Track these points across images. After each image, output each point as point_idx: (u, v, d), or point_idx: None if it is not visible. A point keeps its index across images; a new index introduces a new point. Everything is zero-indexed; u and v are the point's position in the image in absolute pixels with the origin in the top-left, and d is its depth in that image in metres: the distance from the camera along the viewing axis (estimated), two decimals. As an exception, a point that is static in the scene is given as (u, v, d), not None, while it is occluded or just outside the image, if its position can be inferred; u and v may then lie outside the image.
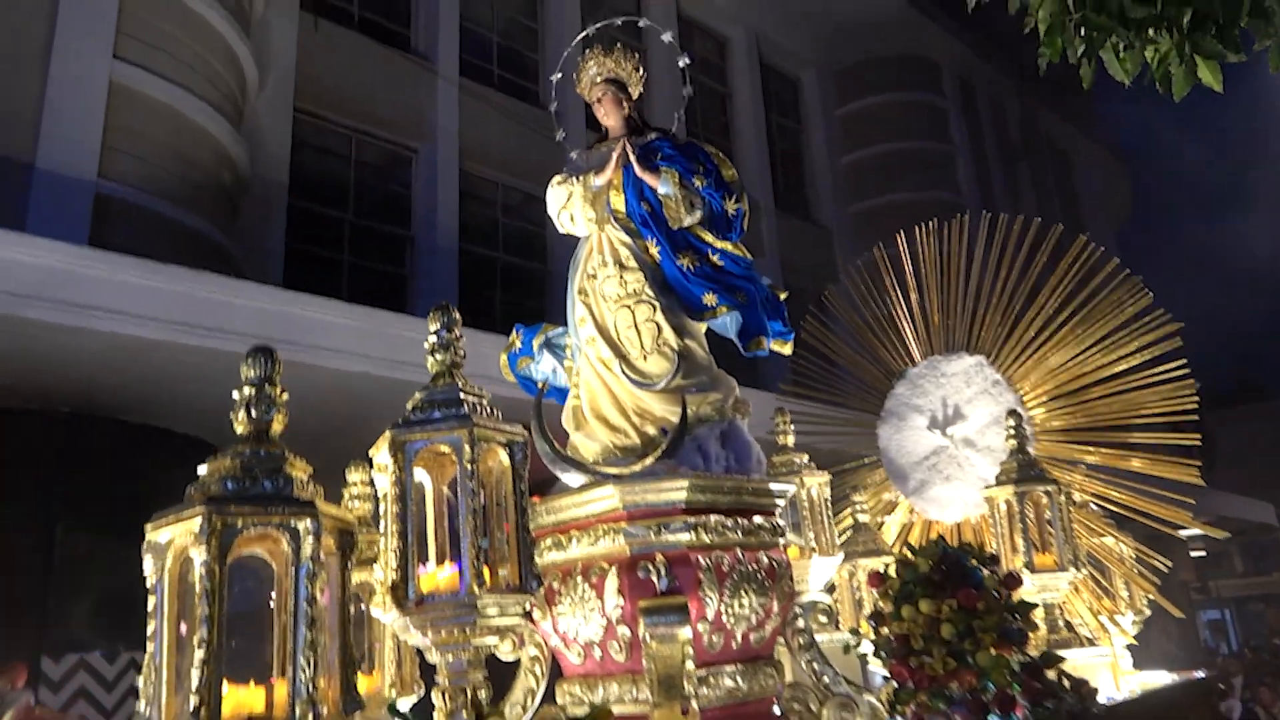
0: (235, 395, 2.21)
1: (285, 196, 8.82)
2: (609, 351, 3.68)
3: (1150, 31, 2.69)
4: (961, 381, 5.92)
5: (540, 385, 3.97)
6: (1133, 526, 5.89)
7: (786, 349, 3.96)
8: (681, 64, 4.58)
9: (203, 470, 2.12)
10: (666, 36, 4.35)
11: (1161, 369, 5.29)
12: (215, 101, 7.85)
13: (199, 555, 1.92)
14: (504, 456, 2.58)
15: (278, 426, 2.21)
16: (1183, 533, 6.02)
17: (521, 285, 11.37)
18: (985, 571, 4.03)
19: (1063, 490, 4.82)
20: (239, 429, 2.19)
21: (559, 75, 4.32)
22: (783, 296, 3.98)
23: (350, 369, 6.36)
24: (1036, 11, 2.85)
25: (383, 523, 2.48)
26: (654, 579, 3.15)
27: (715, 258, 3.84)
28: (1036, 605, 4.15)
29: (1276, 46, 2.66)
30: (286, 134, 8.98)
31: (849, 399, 6.68)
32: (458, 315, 2.75)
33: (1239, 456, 21.03)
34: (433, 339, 2.70)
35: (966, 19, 16.99)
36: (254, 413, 2.17)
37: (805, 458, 5.36)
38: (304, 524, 2.00)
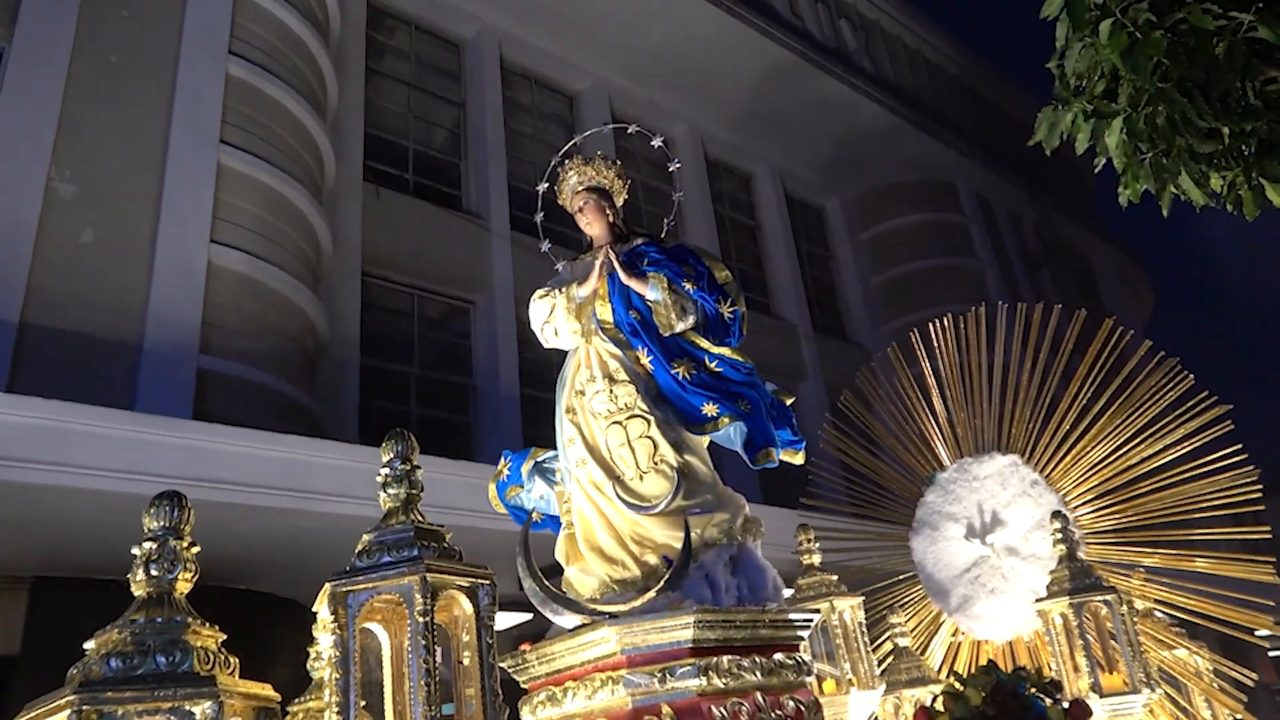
0: (135, 551, 1.89)
1: (357, 356, 9.12)
2: (601, 473, 3.33)
3: (1218, 161, 2.86)
4: (996, 484, 5.48)
5: (530, 515, 3.61)
6: (1201, 634, 5.31)
7: (798, 459, 3.59)
8: (672, 167, 4.42)
9: (90, 645, 1.78)
10: (657, 141, 4.18)
11: (1216, 457, 4.84)
12: (298, 273, 8.25)
13: (71, 756, 1.56)
14: (467, 604, 2.21)
15: (183, 586, 1.87)
16: (1259, 633, 5.42)
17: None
18: (1047, 701, 3.54)
19: (1124, 599, 4.31)
20: (136, 591, 1.85)
21: (545, 185, 4.14)
22: (789, 401, 3.64)
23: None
24: (1106, 154, 2.99)
25: (326, 691, 2.10)
26: (661, 737, 2.70)
27: (713, 364, 3.52)
28: (1111, 738, 3.63)
29: None
30: (356, 296, 9.38)
31: (875, 511, 6.24)
32: (415, 443, 2.44)
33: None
34: (385, 471, 2.37)
35: (975, 138, 17.92)
36: (154, 571, 1.84)
37: (834, 579, 4.91)
38: (201, 708, 1.63)
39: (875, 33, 17.43)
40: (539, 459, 3.71)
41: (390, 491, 2.33)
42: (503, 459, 3.83)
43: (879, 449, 6.54)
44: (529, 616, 7.79)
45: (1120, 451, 5.07)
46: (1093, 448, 5.17)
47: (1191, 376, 4.94)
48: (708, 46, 13.33)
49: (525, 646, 3.15)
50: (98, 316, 6.73)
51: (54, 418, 5.36)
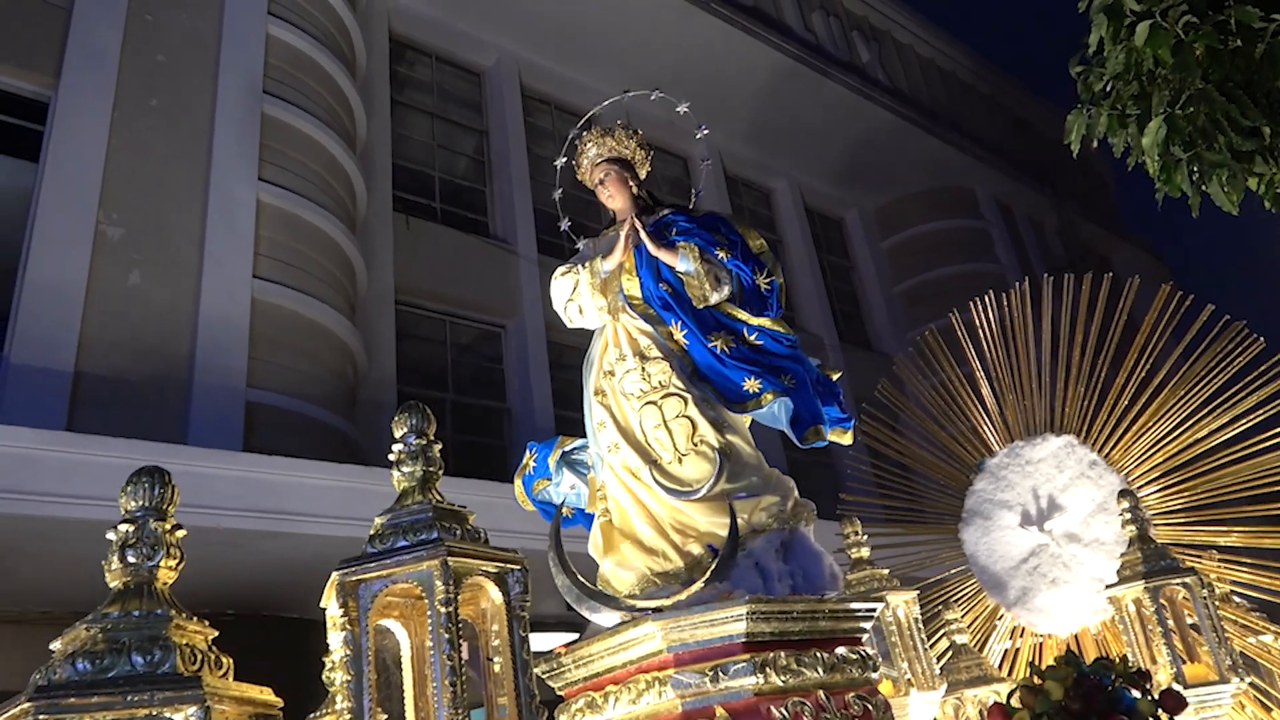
0: (110, 535, 1.63)
1: (394, 383, 9.19)
2: (636, 458, 3.06)
3: (1258, 160, 2.85)
4: (1051, 467, 5.15)
5: (559, 508, 3.34)
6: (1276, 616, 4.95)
7: (847, 438, 3.31)
8: (698, 135, 4.18)
9: (55, 645, 1.52)
10: (683, 108, 3.93)
11: (1293, 424, 4.51)
12: (336, 304, 8.37)
13: (27, 777, 1.30)
14: (496, 592, 1.94)
15: (167, 575, 1.61)
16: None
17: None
18: (1136, 693, 3.22)
19: (1204, 581, 3.98)
20: (111, 582, 1.59)
21: (562, 160, 3.90)
22: (835, 376, 3.36)
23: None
24: (1141, 155, 3.01)
25: (339, 698, 1.84)
26: (717, 742, 2.42)
27: (752, 337, 3.25)
28: (1209, 731, 3.30)
29: None
30: (391, 325, 9.46)
31: (920, 504, 5.92)
32: (431, 416, 2.18)
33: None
34: (398, 448, 2.11)
35: (992, 144, 17.90)
36: (131, 558, 1.58)
37: (885, 573, 4.61)
38: (184, 714, 1.37)
39: (887, 43, 17.54)
40: (566, 448, 3.45)
41: (405, 470, 2.07)
42: (528, 451, 3.57)
43: (921, 439, 6.23)
44: (575, 637, 7.66)
45: (1186, 424, 4.74)
46: (1155, 422, 4.84)
47: (1262, 340, 4.60)
48: (723, 64, 13.41)
49: (560, 649, 2.88)
50: (148, 354, 6.90)
51: (113, 454, 5.44)
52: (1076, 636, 5.05)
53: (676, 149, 14.13)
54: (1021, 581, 5.17)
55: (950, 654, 4.84)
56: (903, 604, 4.50)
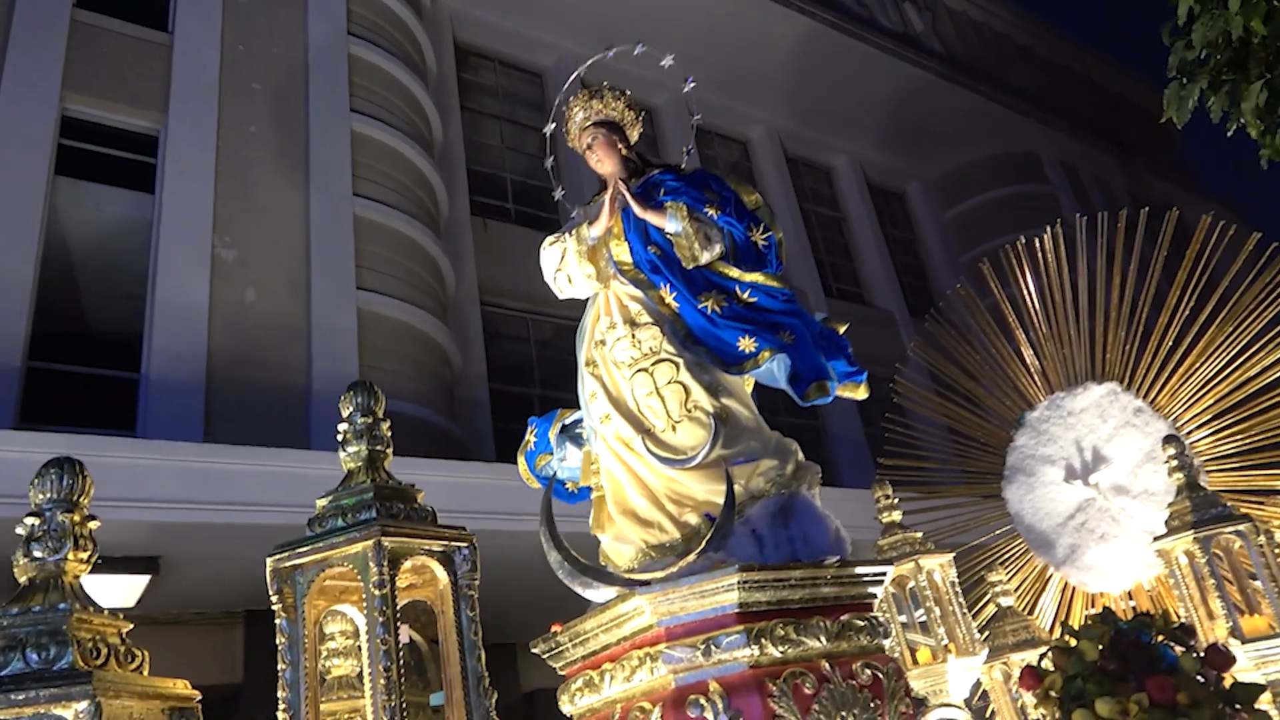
0: (19, 530, 1.57)
1: (486, 381, 9.56)
2: (628, 428, 2.94)
3: None
4: (1095, 417, 4.89)
5: (551, 480, 3.24)
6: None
7: (860, 392, 3.12)
8: (687, 88, 4.03)
9: (-40, 646, 1.46)
10: (667, 61, 3.77)
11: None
12: (432, 309, 8.79)
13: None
14: (443, 574, 1.85)
15: (77, 568, 1.55)
16: None
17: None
18: (1178, 649, 3.01)
19: (1260, 529, 3.71)
20: (18, 576, 1.53)
21: (552, 126, 3.77)
22: (842, 329, 3.18)
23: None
24: (1240, 118, 3.15)
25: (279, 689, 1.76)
26: (709, 718, 2.30)
27: (745, 294, 3.08)
28: (1263, 688, 3.06)
29: None
30: (479, 325, 9.87)
31: (961, 464, 5.70)
32: (380, 395, 2.09)
33: None
34: (344, 428, 2.02)
35: (1053, 106, 17.53)
36: (36, 552, 1.51)
37: (919, 536, 4.43)
38: (73, 710, 1.30)
39: (940, 11, 17.35)
40: (566, 420, 3.34)
41: (350, 450, 1.98)
42: (529, 427, 3.47)
43: (960, 398, 5.99)
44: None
45: (1236, 363, 4.44)
46: (1202, 363, 4.54)
47: (1314, 267, 4.28)
48: (777, 45, 13.46)
49: (556, 627, 2.79)
50: (269, 367, 7.35)
51: (257, 463, 5.88)
52: (1130, 593, 4.80)
53: (736, 134, 14.06)
54: (1069, 539, 4.93)
55: (996, 618, 4.64)
56: (938, 568, 4.32)
